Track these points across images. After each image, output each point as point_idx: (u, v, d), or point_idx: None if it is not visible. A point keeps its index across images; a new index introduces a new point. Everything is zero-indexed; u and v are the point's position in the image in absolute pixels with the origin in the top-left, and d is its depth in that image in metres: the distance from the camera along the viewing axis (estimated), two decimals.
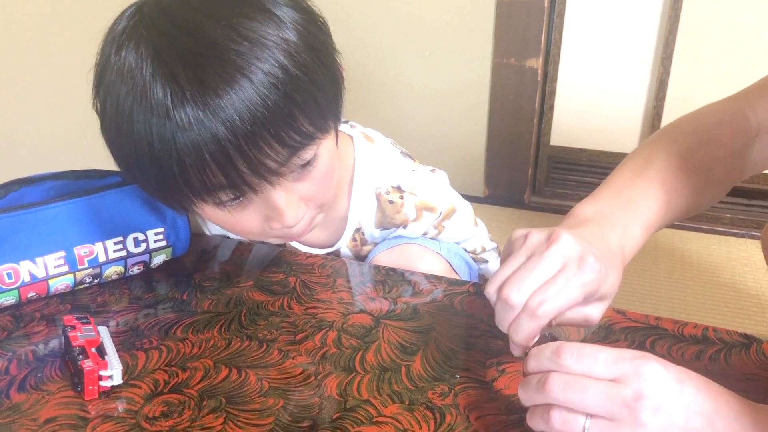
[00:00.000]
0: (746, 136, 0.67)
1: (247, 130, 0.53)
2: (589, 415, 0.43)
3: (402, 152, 0.82)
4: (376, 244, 0.81)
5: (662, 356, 0.56)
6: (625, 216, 0.58)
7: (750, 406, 0.44)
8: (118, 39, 0.56)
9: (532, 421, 0.46)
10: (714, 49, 1.76)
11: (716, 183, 0.67)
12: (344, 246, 0.80)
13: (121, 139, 0.57)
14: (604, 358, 0.43)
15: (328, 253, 0.81)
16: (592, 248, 0.51)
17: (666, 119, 1.84)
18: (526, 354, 0.51)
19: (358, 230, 0.80)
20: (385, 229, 0.79)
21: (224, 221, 0.63)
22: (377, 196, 0.77)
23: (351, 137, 0.79)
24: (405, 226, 0.78)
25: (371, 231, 0.79)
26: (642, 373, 0.42)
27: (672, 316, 0.64)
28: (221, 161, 0.54)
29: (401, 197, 0.77)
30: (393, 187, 0.77)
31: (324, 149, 0.61)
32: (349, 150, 0.78)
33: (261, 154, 0.55)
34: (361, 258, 0.82)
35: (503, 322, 0.51)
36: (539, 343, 0.50)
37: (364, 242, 0.81)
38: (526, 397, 0.46)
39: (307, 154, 0.59)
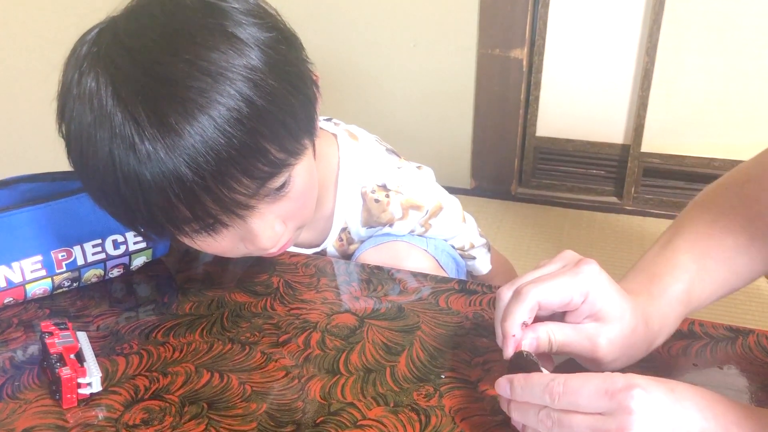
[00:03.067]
0: None
1: (213, 169, 0.51)
2: None
3: (387, 149, 0.81)
4: (362, 243, 0.80)
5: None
6: (649, 288, 0.55)
7: (749, 412, 0.43)
8: (79, 66, 0.54)
9: None
10: (699, 37, 1.76)
11: (764, 237, 0.60)
12: (330, 246, 0.79)
13: (87, 170, 0.55)
14: (587, 393, 0.43)
15: (314, 254, 0.80)
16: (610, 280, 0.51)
17: (651, 108, 1.84)
18: (508, 362, 0.50)
19: (344, 230, 0.79)
20: (371, 227, 0.78)
21: (197, 245, 0.61)
22: (363, 195, 0.76)
23: (335, 136, 0.77)
24: (391, 225, 0.77)
25: (357, 230, 0.78)
26: (627, 407, 0.42)
27: None
28: (187, 200, 0.53)
29: (387, 196, 0.76)
30: (378, 186, 0.76)
31: (298, 170, 0.60)
32: (333, 149, 0.77)
33: (229, 190, 0.53)
34: (347, 257, 0.81)
35: (498, 310, 0.52)
36: (517, 359, 0.50)
37: (350, 241, 0.80)
38: (522, 421, 0.47)
39: (277, 182, 0.57)
